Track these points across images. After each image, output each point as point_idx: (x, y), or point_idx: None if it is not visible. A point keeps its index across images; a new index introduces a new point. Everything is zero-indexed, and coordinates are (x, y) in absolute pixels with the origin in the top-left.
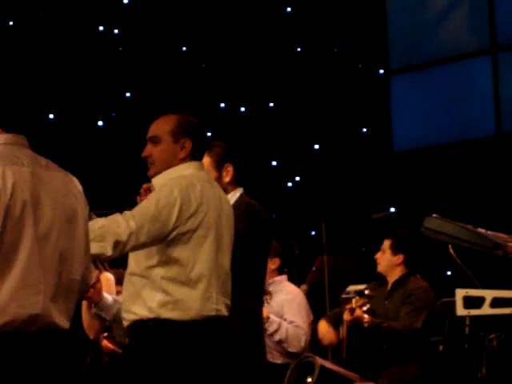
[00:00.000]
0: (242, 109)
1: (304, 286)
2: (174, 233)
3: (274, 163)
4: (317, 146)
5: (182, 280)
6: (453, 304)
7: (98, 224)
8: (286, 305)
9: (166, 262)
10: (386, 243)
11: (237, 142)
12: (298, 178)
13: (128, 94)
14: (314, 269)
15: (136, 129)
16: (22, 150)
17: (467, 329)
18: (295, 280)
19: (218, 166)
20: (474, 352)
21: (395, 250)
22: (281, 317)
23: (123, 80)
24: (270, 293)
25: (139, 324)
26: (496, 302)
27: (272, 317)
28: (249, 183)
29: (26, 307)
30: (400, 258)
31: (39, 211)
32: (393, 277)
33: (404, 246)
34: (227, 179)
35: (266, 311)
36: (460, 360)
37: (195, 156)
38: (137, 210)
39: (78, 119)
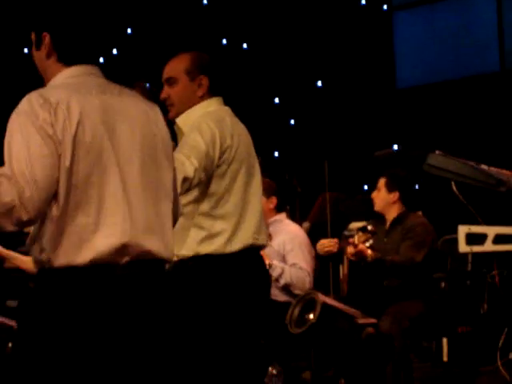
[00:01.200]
0: (245, 45)
1: (306, 224)
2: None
3: (277, 100)
4: (320, 84)
5: (217, 214)
6: (455, 241)
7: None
8: (287, 244)
9: (203, 197)
10: (381, 181)
11: (239, 79)
12: (299, 116)
13: (129, 31)
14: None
15: (137, 66)
16: (90, 80)
17: (469, 265)
18: (297, 218)
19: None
20: (476, 289)
21: (390, 187)
22: (282, 256)
23: (125, 16)
24: (269, 234)
25: (179, 264)
26: (498, 239)
27: (275, 262)
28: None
29: (114, 236)
30: (395, 195)
31: (116, 139)
32: (391, 215)
33: (398, 184)
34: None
35: (267, 258)
36: (462, 297)
37: (213, 92)
38: (189, 148)
39: None
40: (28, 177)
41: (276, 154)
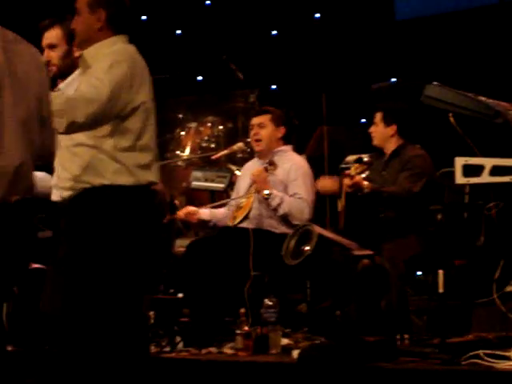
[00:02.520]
0: None
1: (303, 156)
2: (129, 106)
3: (274, 33)
4: (318, 15)
5: (133, 149)
6: (452, 174)
7: (59, 99)
8: (291, 174)
9: (119, 132)
10: (378, 116)
11: (235, 10)
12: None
13: None
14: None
15: None
16: None
17: (466, 198)
18: (294, 150)
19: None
20: (472, 221)
21: (387, 121)
22: (286, 186)
23: None
24: (274, 163)
25: (92, 191)
26: (495, 170)
27: (274, 192)
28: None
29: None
30: (393, 128)
31: (15, 82)
32: (389, 148)
33: (395, 117)
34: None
35: (267, 187)
36: (458, 229)
37: (116, 27)
38: (93, 88)
39: None
40: None
41: (274, 86)
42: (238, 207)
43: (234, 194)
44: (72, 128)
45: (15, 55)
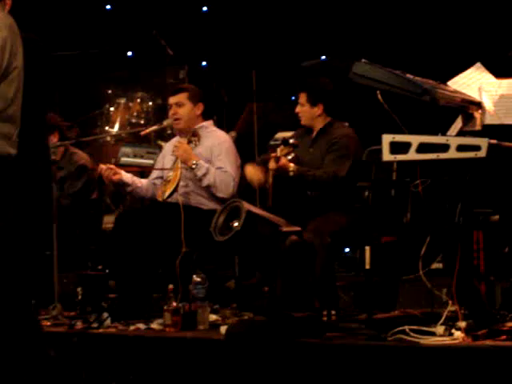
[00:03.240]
0: None
1: (233, 133)
2: (8, 70)
3: (205, 9)
4: None
5: (5, 117)
6: (380, 151)
7: None
8: (214, 150)
9: None
10: (303, 96)
11: None
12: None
13: None
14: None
15: None
16: None
17: (394, 175)
18: (224, 127)
19: None
20: (399, 197)
21: (313, 101)
22: (210, 162)
23: None
24: (198, 134)
25: None
26: (422, 148)
27: (201, 162)
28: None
29: None
30: (320, 108)
31: None
32: (317, 126)
33: (321, 96)
34: None
35: (194, 157)
36: (386, 205)
37: None
38: None
39: None
40: None
41: (204, 63)
42: (166, 181)
43: (156, 168)
44: None
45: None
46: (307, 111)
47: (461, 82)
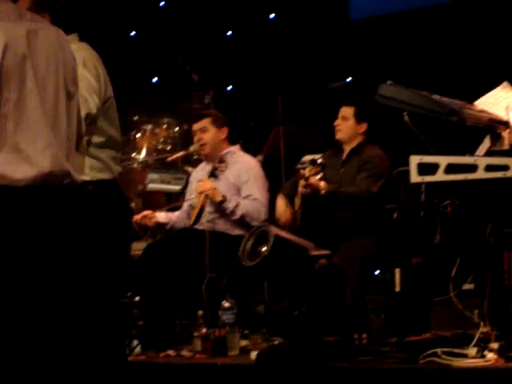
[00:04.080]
0: None
1: (259, 157)
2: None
3: (229, 33)
4: (272, 15)
5: (102, 145)
6: (408, 172)
7: None
8: (242, 175)
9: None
10: (349, 111)
11: (190, 11)
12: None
13: None
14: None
15: None
16: (6, 4)
17: (423, 196)
18: (251, 152)
19: None
20: (428, 219)
21: (359, 118)
22: (238, 189)
23: None
24: (224, 160)
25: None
26: (450, 168)
27: (228, 195)
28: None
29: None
30: (363, 126)
31: (34, 66)
32: (351, 145)
33: (368, 115)
34: None
35: (218, 193)
36: (415, 227)
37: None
38: (85, 85)
39: None
40: None
41: (229, 87)
42: (192, 207)
43: (186, 197)
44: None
45: (37, 42)
46: (351, 126)
47: (488, 102)
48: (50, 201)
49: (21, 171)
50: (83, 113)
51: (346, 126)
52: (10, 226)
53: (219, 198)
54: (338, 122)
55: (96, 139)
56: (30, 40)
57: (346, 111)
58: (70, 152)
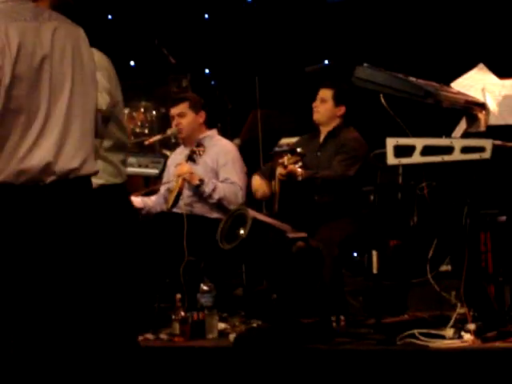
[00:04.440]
0: None
1: (237, 141)
2: None
3: (206, 16)
4: None
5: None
6: (384, 155)
7: None
8: (220, 159)
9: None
10: (328, 93)
11: None
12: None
13: None
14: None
15: None
16: (23, 5)
17: (399, 178)
18: (228, 135)
19: None
20: (405, 201)
21: (338, 101)
22: (216, 173)
23: None
24: (202, 145)
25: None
26: (427, 150)
27: (206, 179)
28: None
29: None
30: (341, 109)
31: (51, 65)
32: (327, 128)
33: (346, 98)
34: None
35: (196, 176)
36: (391, 209)
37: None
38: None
39: None
40: None
41: (207, 70)
42: (169, 191)
43: (164, 181)
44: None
45: (54, 41)
46: (329, 109)
47: (464, 84)
48: (62, 198)
49: (33, 164)
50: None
51: (325, 108)
52: (26, 222)
53: (197, 182)
54: (316, 103)
55: (106, 143)
56: (46, 38)
57: (325, 93)
58: (84, 151)
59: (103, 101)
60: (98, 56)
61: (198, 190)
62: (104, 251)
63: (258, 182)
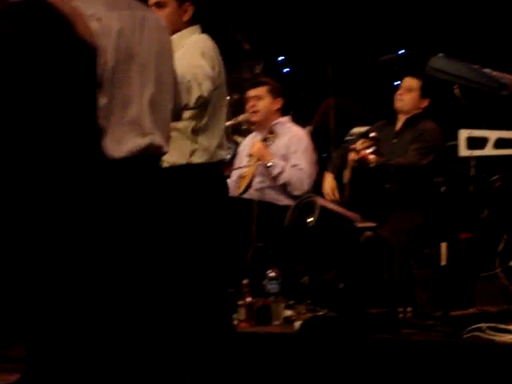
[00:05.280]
0: None
1: (309, 128)
2: None
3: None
4: None
5: (207, 130)
6: (457, 147)
7: (183, 77)
8: (291, 146)
9: (197, 115)
10: (415, 82)
11: None
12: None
13: None
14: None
15: None
16: None
17: (471, 170)
18: (300, 122)
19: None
20: (477, 193)
21: (424, 92)
22: (287, 159)
23: None
24: (274, 131)
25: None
26: (500, 143)
27: (275, 161)
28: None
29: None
30: (425, 102)
31: (141, 48)
32: (406, 116)
33: (431, 91)
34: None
35: (270, 155)
36: (463, 201)
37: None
38: (201, 71)
39: None
40: None
41: (280, 58)
42: (241, 177)
43: (235, 167)
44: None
45: (144, 30)
46: (414, 98)
47: None
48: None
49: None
50: (196, 95)
51: (410, 96)
52: (123, 199)
53: (269, 161)
54: (401, 91)
55: (201, 124)
56: (138, 27)
57: (412, 82)
58: (168, 131)
59: (206, 88)
60: (205, 43)
61: (266, 171)
62: (199, 229)
63: (329, 185)
